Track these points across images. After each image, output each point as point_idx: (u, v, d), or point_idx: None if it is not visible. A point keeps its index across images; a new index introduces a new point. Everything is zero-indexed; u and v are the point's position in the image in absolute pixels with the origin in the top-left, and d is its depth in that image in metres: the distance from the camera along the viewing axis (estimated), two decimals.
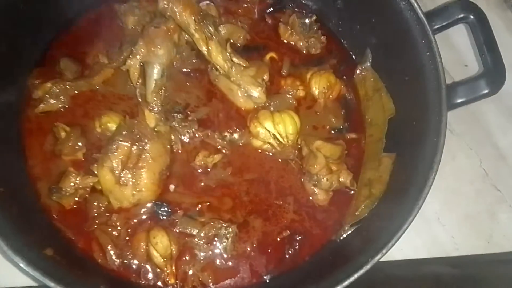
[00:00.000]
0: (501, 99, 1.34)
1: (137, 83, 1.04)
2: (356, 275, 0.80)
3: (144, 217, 0.99)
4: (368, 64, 1.18)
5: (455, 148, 1.33)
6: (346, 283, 0.80)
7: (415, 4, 1.02)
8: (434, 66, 0.99)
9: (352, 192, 1.08)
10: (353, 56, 1.24)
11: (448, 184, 1.27)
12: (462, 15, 1.04)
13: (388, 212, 0.97)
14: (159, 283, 0.95)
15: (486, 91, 1.01)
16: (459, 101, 1.01)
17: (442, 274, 1.20)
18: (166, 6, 1.08)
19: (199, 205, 1.02)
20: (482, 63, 1.03)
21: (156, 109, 1.03)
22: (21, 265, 0.72)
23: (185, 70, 1.15)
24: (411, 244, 1.20)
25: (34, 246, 0.80)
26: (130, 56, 1.03)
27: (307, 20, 1.22)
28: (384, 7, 1.08)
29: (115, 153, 0.96)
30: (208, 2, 1.22)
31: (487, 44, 1.02)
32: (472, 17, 1.03)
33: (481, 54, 1.03)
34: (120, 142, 0.96)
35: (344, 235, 1.03)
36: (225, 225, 0.99)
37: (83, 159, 1.02)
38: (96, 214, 0.98)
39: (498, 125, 1.37)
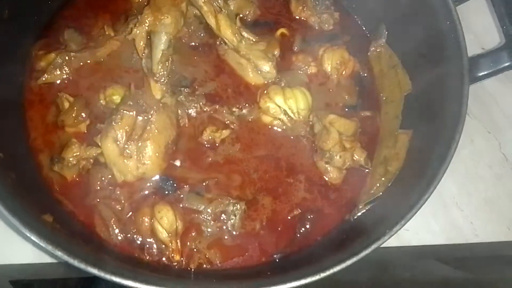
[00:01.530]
0: None
1: (143, 54, 1.01)
2: (373, 246, 0.75)
3: (148, 191, 0.95)
4: (384, 40, 1.14)
5: (473, 131, 1.27)
6: (363, 254, 0.75)
7: None
8: (455, 35, 0.94)
9: (367, 171, 1.03)
10: (367, 33, 1.20)
11: (466, 168, 1.22)
12: None
13: (405, 188, 0.92)
14: (164, 259, 0.90)
15: (509, 63, 0.95)
16: (481, 74, 0.96)
17: (451, 278, 1.15)
18: None
19: (206, 181, 0.98)
20: (503, 35, 0.98)
21: (162, 80, 0.99)
22: (18, 227, 0.68)
23: (193, 44, 1.11)
24: (429, 229, 1.14)
25: (32, 210, 0.76)
26: (136, 25, 0.99)
27: None
28: None
29: (119, 123, 0.92)
30: None
31: (509, 14, 0.97)
32: None
33: (502, 25, 0.97)
34: (124, 111, 0.92)
35: (359, 214, 0.97)
36: (233, 201, 0.95)
37: (86, 131, 0.98)
38: (98, 188, 0.94)
39: None
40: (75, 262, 0.67)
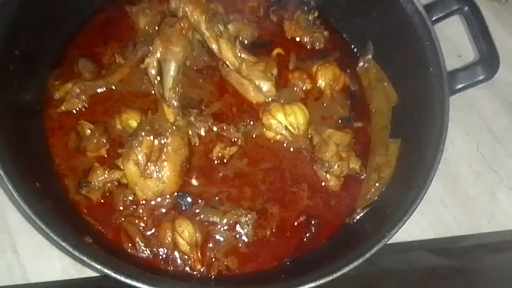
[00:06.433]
0: (494, 84, 1.42)
1: (155, 81, 1.09)
2: (376, 248, 0.87)
3: (167, 208, 1.04)
4: (370, 56, 1.25)
5: (453, 134, 1.39)
6: (368, 255, 0.86)
7: None
8: (435, 54, 1.06)
9: (362, 177, 1.14)
10: (355, 49, 1.31)
11: (449, 168, 1.35)
12: (457, 7, 1.11)
13: (398, 193, 1.03)
14: (187, 269, 0.99)
15: (483, 76, 1.07)
16: (459, 86, 1.08)
17: (436, 266, 1.24)
18: (177, 6, 1.14)
19: (219, 195, 1.07)
20: (477, 51, 1.10)
21: (174, 104, 1.07)
22: (70, 250, 0.77)
23: (197, 67, 1.20)
24: (418, 225, 1.26)
25: (75, 233, 0.84)
26: (148, 55, 1.07)
27: (310, 17, 1.28)
28: (384, 1, 1.15)
29: (139, 148, 1.00)
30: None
31: (482, 33, 1.09)
32: (466, 8, 1.10)
33: (476, 42, 1.10)
34: (143, 136, 1.00)
35: (357, 217, 1.08)
36: (245, 212, 1.04)
37: (106, 155, 1.06)
38: (122, 207, 1.02)
39: (492, 110, 1.45)
40: (122, 278, 0.76)
